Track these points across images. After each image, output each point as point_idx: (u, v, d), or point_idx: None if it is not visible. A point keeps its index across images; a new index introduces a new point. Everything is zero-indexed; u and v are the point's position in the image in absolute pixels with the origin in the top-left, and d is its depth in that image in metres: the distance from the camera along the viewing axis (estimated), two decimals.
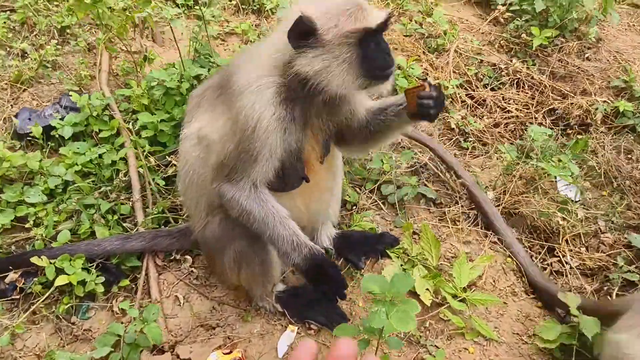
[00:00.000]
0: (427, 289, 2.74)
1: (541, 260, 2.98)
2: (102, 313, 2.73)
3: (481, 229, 3.11)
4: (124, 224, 3.01)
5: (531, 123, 3.85)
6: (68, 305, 2.67)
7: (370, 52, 1.99)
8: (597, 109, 3.83)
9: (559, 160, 3.01)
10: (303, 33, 1.95)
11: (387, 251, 2.92)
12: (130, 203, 3.07)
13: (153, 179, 3.14)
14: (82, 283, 2.68)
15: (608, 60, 4.36)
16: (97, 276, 2.72)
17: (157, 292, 2.77)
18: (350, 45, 1.96)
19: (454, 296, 2.70)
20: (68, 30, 4.25)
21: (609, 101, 3.90)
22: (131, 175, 3.18)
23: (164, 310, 2.74)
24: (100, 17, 3.63)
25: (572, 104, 3.96)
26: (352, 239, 2.96)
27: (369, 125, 2.46)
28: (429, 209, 3.23)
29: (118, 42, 3.91)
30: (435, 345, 2.61)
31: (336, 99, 2.22)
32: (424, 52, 4.26)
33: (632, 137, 3.64)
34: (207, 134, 2.30)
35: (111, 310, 2.73)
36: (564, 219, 2.92)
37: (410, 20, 4.54)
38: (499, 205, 3.12)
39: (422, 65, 4.07)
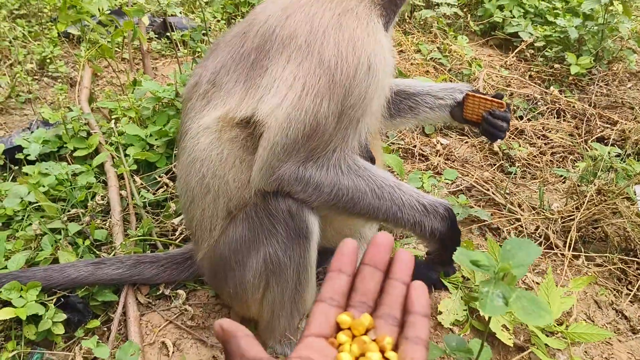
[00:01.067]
0: (504, 326, 2.03)
1: None
2: None
3: (556, 252, 2.45)
4: (98, 252, 2.31)
5: (579, 154, 3.32)
6: (13, 354, 1.91)
7: None
8: None
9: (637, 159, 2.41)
10: None
11: (443, 280, 2.23)
12: (108, 226, 2.39)
13: (140, 194, 2.48)
14: (35, 321, 1.94)
15: None
16: (57, 313, 1.98)
17: (138, 337, 2.03)
18: None
19: (546, 332, 1.99)
20: (48, 61, 3.75)
21: None
22: (110, 197, 2.52)
23: None
24: (83, 30, 3.15)
25: (624, 130, 3.45)
26: None
27: (389, 107, 2.03)
28: (483, 235, 2.58)
29: (103, 61, 3.41)
30: None
31: None
32: (450, 78, 3.79)
33: None
34: (255, 111, 1.63)
35: None
36: None
37: (431, 49, 4.12)
38: (572, 221, 2.47)
39: None
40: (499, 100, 1.95)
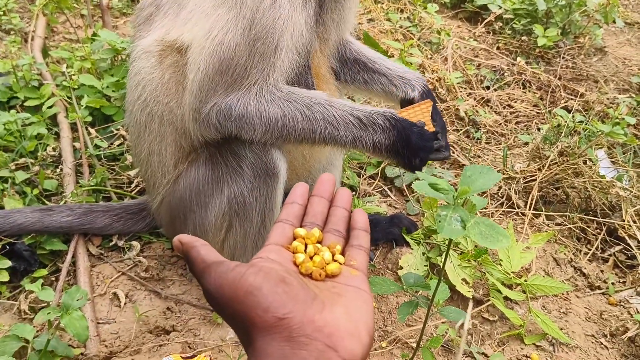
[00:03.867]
0: (464, 280, 2.02)
1: (600, 250, 2.31)
2: (6, 316, 1.87)
3: (517, 212, 2.45)
4: (48, 202, 2.21)
5: (543, 122, 3.34)
6: None
7: None
8: (619, 104, 3.35)
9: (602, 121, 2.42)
10: None
11: (405, 236, 2.21)
12: (59, 177, 2.28)
13: (94, 145, 2.38)
14: None
15: (617, 65, 3.97)
16: (1, 260, 1.89)
17: (88, 287, 1.95)
18: None
19: (505, 285, 1.98)
20: (1, 14, 3.56)
21: (633, 96, 3.44)
22: (62, 147, 2.41)
23: (95, 313, 1.90)
24: None
25: (587, 101, 3.48)
26: None
27: (344, 67, 2.03)
28: None
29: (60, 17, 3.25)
30: (484, 354, 1.86)
31: None
32: (418, 45, 3.76)
33: None
34: (181, 36, 1.63)
35: (19, 311, 1.87)
36: (624, 189, 2.29)
37: (402, 15, 4.07)
38: (534, 181, 2.47)
39: (418, 59, 3.55)
40: (426, 103, 1.76)
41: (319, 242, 0.97)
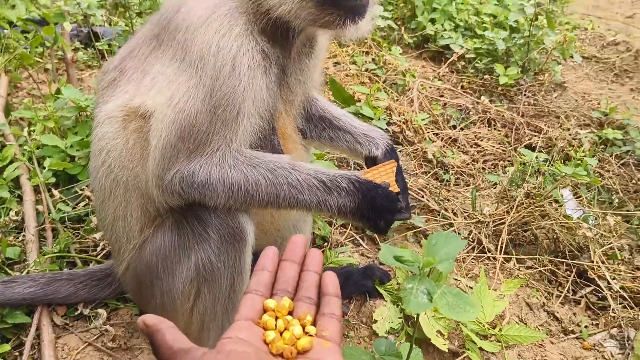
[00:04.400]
0: (439, 332, 2.01)
1: (572, 292, 2.32)
2: None
3: (489, 256, 2.46)
4: (10, 271, 2.14)
5: (509, 161, 3.40)
6: None
7: None
8: (581, 139, 3.44)
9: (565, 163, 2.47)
10: None
11: (378, 287, 2.19)
12: (21, 243, 2.22)
13: (56, 208, 2.32)
14: None
15: (577, 100, 4.09)
16: None
17: None
18: None
19: (480, 335, 1.97)
20: None
21: (594, 131, 3.54)
22: (25, 211, 2.35)
23: None
24: (0, 38, 2.97)
25: (550, 138, 3.56)
26: None
27: (309, 124, 2.05)
28: (419, 242, 2.56)
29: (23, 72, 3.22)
30: None
31: (307, 46, 1.80)
32: (384, 88, 3.81)
33: (632, 162, 3.21)
34: (145, 103, 1.63)
35: None
36: (590, 229, 2.32)
37: (367, 57, 4.14)
38: (503, 224, 2.49)
39: (384, 102, 3.59)
40: (390, 163, 1.75)
41: (290, 312, 0.97)
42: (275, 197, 1.59)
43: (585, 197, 2.71)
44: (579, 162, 2.58)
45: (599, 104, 4.00)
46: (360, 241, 2.55)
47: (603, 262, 2.29)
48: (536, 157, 2.69)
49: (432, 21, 4.68)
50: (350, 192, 1.59)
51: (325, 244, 2.50)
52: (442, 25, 4.64)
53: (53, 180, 2.50)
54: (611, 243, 2.35)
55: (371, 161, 1.95)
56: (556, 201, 2.52)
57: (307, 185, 1.59)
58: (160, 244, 1.71)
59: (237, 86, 1.52)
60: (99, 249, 2.27)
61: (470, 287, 2.29)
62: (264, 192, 1.57)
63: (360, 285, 2.19)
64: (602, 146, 3.44)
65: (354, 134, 2.00)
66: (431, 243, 1.15)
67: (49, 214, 2.33)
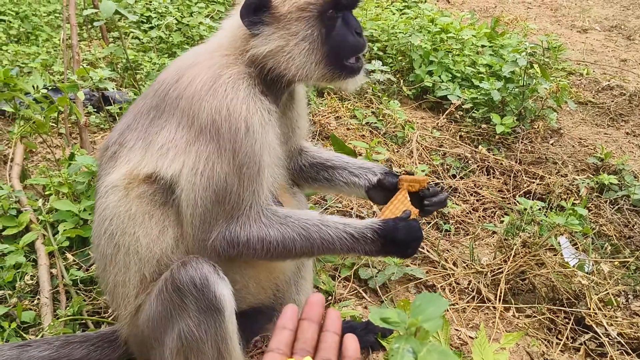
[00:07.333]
0: None
1: (571, 340, 2.36)
2: None
3: (488, 305, 2.51)
4: (26, 335, 2.23)
5: (510, 208, 3.48)
6: None
7: (336, 30, 1.71)
8: (578, 185, 3.52)
9: (557, 213, 2.55)
10: (255, 7, 1.66)
11: (380, 341, 2.25)
12: (36, 307, 2.32)
13: (69, 272, 2.43)
14: None
15: (573, 146, 4.19)
16: None
17: None
18: (310, 20, 1.67)
19: None
20: None
21: (590, 176, 3.62)
22: (40, 276, 2.46)
23: None
24: (17, 108, 3.15)
25: (548, 184, 3.64)
26: None
27: (303, 173, 2.17)
28: (420, 292, 2.62)
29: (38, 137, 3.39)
30: None
31: (288, 100, 1.96)
32: (384, 141, 3.94)
33: (626, 208, 3.29)
34: (159, 170, 1.73)
35: None
36: (586, 277, 2.38)
37: (366, 113, 4.29)
38: (501, 273, 2.56)
39: (384, 155, 3.71)
40: (401, 192, 1.90)
41: None
42: (309, 249, 1.75)
43: (581, 245, 2.78)
44: (571, 211, 2.66)
45: (595, 149, 4.10)
46: (363, 294, 2.62)
47: (600, 309, 2.34)
48: (531, 207, 2.77)
49: (430, 73, 4.85)
50: (375, 240, 1.76)
51: (330, 297, 2.57)
52: (440, 76, 4.80)
53: (67, 243, 2.61)
54: (606, 290, 2.41)
55: (375, 190, 2.05)
56: (552, 249, 2.59)
57: (338, 238, 1.75)
58: (149, 313, 1.78)
59: (254, 144, 1.67)
60: (110, 310, 2.36)
61: (471, 337, 2.34)
62: (299, 246, 1.73)
63: (364, 340, 2.25)
64: (599, 192, 3.52)
65: (349, 169, 2.12)
66: (415, 304, 1.23)
67: (62, 278, 2.44)
